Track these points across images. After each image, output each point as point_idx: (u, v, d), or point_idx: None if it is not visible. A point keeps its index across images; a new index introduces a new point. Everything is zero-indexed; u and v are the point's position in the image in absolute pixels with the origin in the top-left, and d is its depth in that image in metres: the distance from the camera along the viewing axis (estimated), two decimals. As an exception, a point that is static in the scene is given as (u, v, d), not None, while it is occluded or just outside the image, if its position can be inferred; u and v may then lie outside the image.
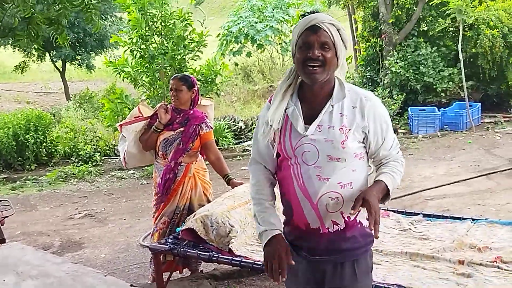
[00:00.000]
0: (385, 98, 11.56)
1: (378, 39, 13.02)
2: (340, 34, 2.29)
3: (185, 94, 4.38)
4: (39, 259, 2.93)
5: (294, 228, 2.43)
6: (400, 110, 12.01)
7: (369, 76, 13.26)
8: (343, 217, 2.35)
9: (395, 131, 11.39)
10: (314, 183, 2.31)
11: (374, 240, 2.40)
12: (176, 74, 4.53)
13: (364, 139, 2.37)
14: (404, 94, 11.98)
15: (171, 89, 4.35)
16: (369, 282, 2.51)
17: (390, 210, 4.42)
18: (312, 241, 2.39)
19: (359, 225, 2.38)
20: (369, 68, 13.42)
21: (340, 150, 2.29)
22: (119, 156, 4.75)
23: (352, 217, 2.35)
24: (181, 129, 4.35)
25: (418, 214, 4.32)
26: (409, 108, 11.89)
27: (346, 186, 2.32)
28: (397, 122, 11.96)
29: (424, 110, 11.72)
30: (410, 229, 4.02)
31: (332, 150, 2.29)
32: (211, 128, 4.47)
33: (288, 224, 2.47)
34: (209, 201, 4.52)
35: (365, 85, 12.99)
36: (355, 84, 13.17)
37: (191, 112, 4.41)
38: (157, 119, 4.38)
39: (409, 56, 12.18)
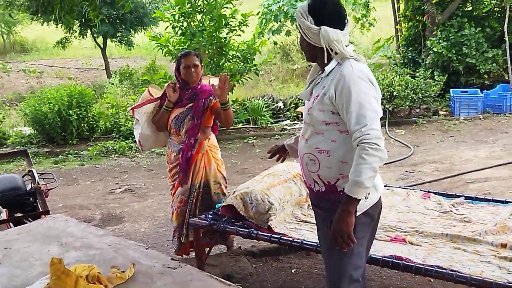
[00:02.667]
0: (426, 79, 11.34)
1: (421, 18, 12.75)
2: (299, 23, 2.61)
3: (200, 70, 4.45)
4: (82, 231, 2.99)
5: None
6: (442, 92, 11.77)
7: (410, 57, 13.01)
8: (322, 181, 2.60)
9: (436, 112, 11.26)
10: (301, 141, 2.75)
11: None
12: (187, 51, 4.53)
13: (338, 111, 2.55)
14: (446, 75, 11.71)
15: (188, 67, 4.34)
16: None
17: (431, 192, 4.37)
18: (308, 190, 2.83)
19: (340, 192, 2.52)
20: (410, 48, 13.16)
21: (307, 116, 2.65)
22: None
23: (332, 182, 2.58)
24: (191, 104, 4.38)
25: (459, 196, 4.26)
26: (451, 90, 11.64)
27: (323, 153, 2.59)
28: (438, 104, 11.75)
29: (467, 92, 11.46)
30: (451, 211, 3.97)
31: (306, 114, 2.69)
32: None
33: None
34: (224, 178, 4.57)
35: (406, 66, 12.76)
36: (396, 65, 13.00)
37: (199, 87, 4.44)
38: (166, 99, 4.43)
39: (452, 37, 11.88)
